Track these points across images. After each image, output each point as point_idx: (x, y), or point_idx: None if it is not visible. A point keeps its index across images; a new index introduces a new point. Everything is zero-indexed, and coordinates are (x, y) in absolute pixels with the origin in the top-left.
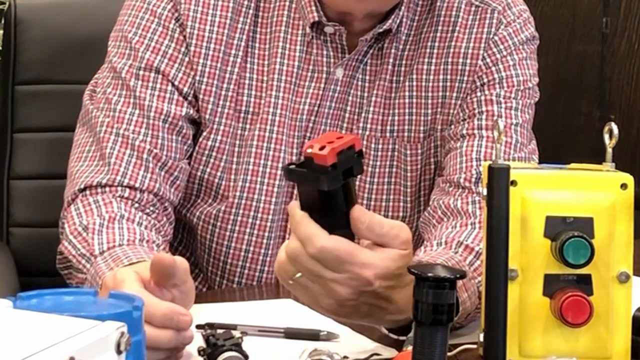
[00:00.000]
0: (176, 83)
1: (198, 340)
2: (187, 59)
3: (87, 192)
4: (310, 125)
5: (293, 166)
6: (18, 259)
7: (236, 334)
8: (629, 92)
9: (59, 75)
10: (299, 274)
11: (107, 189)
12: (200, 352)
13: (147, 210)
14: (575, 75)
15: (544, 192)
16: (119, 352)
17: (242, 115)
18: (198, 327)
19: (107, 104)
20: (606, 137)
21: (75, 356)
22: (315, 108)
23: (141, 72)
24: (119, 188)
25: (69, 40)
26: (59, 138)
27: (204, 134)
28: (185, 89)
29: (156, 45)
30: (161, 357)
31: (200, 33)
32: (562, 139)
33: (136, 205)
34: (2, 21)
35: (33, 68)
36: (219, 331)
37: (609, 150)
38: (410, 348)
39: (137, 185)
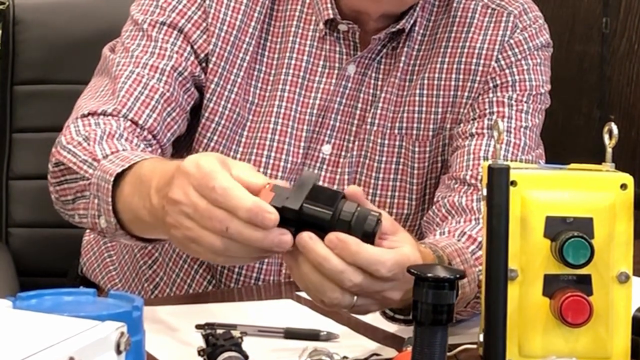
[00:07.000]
0: (195, 47)
1: (198, 340)
2: (206, 32)
3: (89, 116)
4: (320, 120)
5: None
6: (17, 259)
7: (236, 334)
8: (629, 92)
9: (58, 75)
10: (355, 298)
11: (110, 117)
12: (200, 352)
13: (142, 145)
14: (575, 75)
15: (544, 192)
16: (118, 352)
17: (247, 105)
18: (198, 327)
19: (125, 52)
20: (606, 137)
21: (75, 356)
22: (326, 103)
23: (164, 28)
24: (122, 119)
25: (68, 40)
26: None
27: (206, 115)
28: (202, 56)
29: (183, 9)
30: (254, 255)
31: (216, 13)
32: (562, 139)
33: (133, 136)
34: (1, 21)
35: (32, 68)
36: (219, 331)
37: (609, 150)
38: (410, 348)
39: (140, 122)
